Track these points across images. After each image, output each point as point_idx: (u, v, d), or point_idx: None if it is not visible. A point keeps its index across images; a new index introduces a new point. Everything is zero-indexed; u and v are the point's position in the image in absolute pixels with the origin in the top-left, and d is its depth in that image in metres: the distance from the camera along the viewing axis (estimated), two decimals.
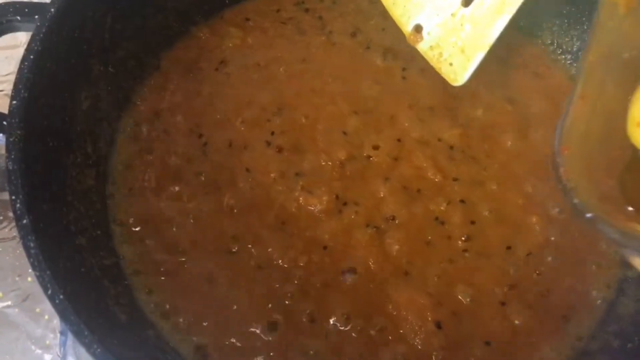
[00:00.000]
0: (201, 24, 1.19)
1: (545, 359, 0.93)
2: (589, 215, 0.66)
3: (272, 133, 1.07)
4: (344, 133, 1.07)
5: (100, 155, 1.04)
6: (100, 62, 1.04)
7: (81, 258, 0.89)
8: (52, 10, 0.93)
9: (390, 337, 0.91)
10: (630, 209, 0.68)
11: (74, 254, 0.88)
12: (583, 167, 0.71)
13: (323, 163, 1.04)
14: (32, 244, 0.79)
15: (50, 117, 0.94)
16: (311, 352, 0.91)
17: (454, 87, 1.09)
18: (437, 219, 1.01)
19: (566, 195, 0.68)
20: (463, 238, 0.99)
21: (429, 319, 0.92)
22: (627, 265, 0.97)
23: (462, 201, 1.03)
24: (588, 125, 0.73)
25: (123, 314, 0.89)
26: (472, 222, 1.01)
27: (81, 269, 0.89)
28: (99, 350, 0.74)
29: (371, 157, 1.05)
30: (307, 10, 1.21)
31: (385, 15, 1.13)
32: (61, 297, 0.76)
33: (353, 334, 0.92)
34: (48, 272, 0.77)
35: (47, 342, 1.05)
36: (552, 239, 1.00)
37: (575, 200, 0.67)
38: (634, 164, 0.71)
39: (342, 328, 0.92)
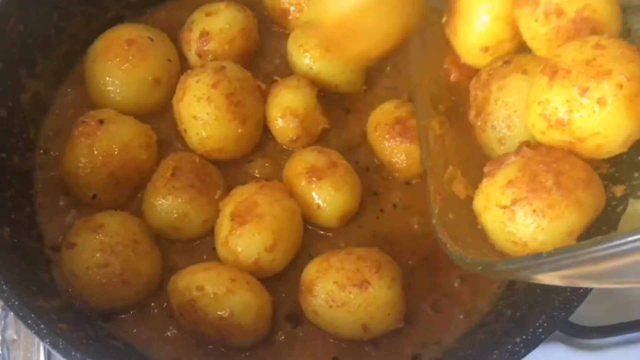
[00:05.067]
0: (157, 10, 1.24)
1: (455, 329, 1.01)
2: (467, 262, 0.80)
3: None
4: None
5: (44, 141, 1.11)
6: (45, 57, 1.13)
7: (12, 229, 0.97)
8: None
9: None
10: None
11: (4, 225, 0.96)
12: (455, 236, 0.85)
13: None
14: None
15: None
16: None
17: None
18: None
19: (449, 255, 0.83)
20: None
21: None
22: None
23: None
24: (452, 211, 0.89)
25: (45, 271, 0.97)
26: None
27: (13, 240, 0.96)
28: (16, 303, 0.81)
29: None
30: None
31: None
32: None
33: None
34: None
35: None
36: None
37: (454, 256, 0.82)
38: None
39: None
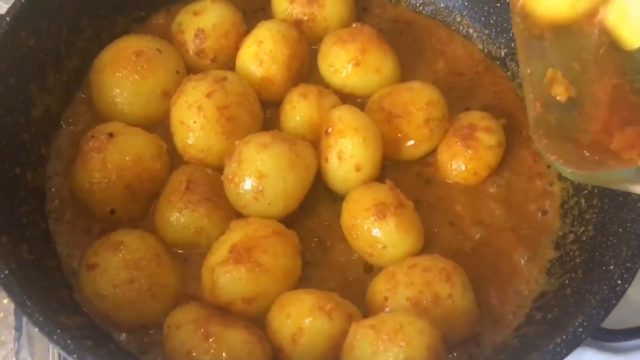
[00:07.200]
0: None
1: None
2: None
3: None
4: None
5: (55, 156, 1.09)
6: (55, 71, 1.11)
7: (30, 246, 0.94)
8: (8, 19, 1.01)
9: None
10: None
11: (22, 242, 0.93)
12: (552, 142, 0.83)
13: None
14: None
15: (4, 119, 1.00)
16: None
17: None
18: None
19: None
20: None
21: None
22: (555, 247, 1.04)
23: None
24: (553, 116, 0.85)
25: (64, 288, 0.94)
26: None
27: (31, 256, 0.93)
28: (40, 319, 0.78)
29: None
30: None
31: None
32: (6, 272, 0.81)
33: None
34: None
35: (2, 338, 1.09)
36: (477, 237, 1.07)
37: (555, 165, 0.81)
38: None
39: None
